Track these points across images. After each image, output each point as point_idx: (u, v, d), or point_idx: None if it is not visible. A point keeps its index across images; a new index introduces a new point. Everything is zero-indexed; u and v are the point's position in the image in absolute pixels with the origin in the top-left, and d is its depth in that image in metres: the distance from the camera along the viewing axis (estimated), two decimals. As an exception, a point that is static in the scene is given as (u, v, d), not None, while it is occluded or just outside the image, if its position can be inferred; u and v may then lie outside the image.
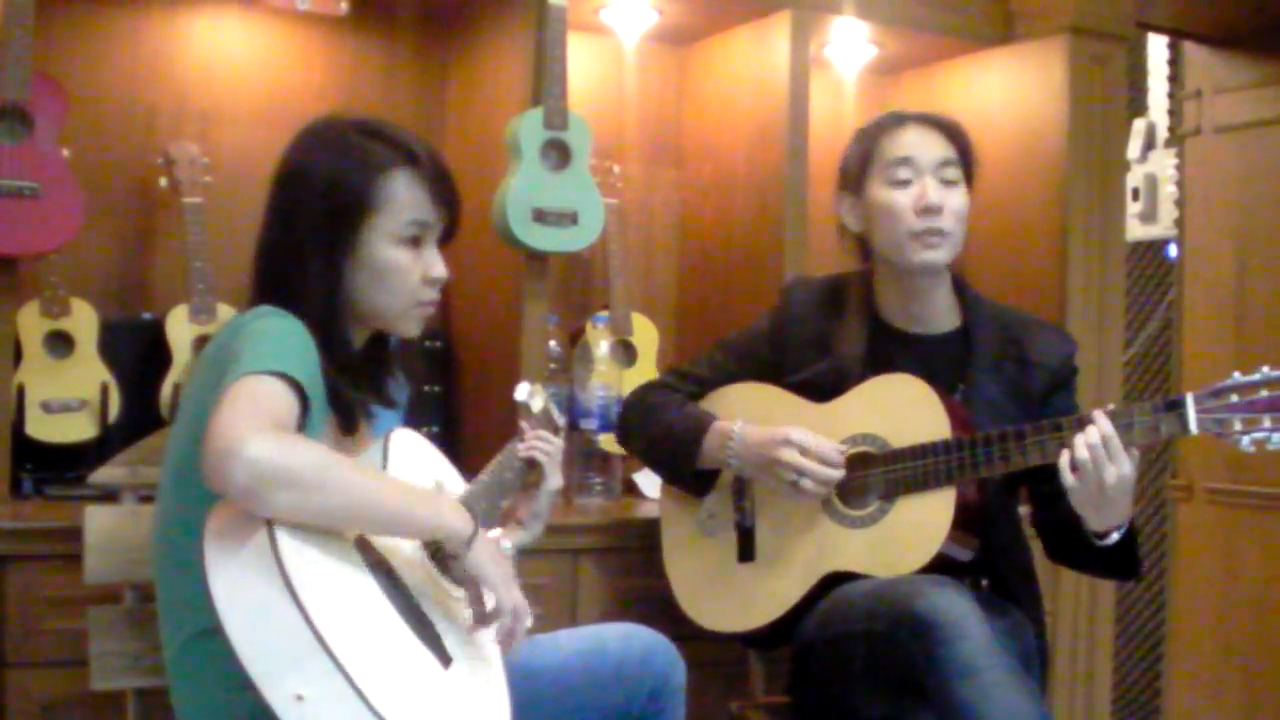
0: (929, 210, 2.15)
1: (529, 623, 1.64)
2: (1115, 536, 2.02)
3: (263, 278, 1.71)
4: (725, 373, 2.33)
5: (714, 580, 2.28)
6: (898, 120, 2.23)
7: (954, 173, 2.19)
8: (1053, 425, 2.02)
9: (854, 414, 2.17)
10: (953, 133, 2.22)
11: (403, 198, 1.70)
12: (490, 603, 1.62)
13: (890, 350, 2.22)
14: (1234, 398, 1.92)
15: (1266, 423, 1.90)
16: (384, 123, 1.76)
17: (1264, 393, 1.90)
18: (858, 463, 2.16)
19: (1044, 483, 2.13)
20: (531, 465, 1.96)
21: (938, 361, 2.20)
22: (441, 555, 1.68)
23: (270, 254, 1.72)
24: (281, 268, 1.69)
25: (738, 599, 2.24)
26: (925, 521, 2.07)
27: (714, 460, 2.23)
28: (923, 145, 2.19)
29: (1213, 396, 1.93)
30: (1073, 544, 2.09)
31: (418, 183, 1.71)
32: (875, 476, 2.13)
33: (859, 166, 2.23)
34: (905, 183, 2.17)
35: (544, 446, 1.96)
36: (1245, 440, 1.91)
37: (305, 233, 1.68)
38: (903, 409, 2.13)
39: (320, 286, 1.68)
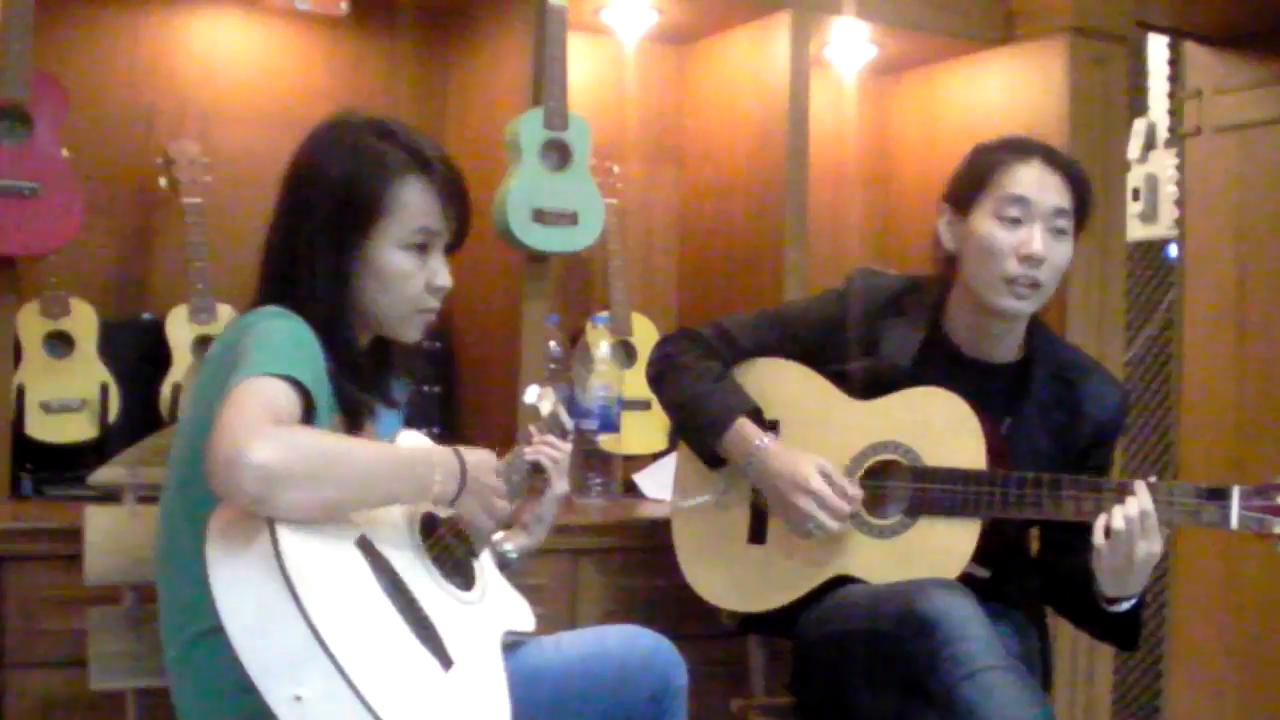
0: (1031, 259, 2.07)
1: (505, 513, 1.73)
2: (1125, 606, 2.00)
3: (269, 277, 1.71)
4: (766, 346, 2.28)
5: (720, 553, 2.26)
6: (1023, 153, 2.12)
7: (1066, 223, 2.10)
8: (1092, 485, 2.00)
9: (890, 419, 2.14)
10: (1076, 180, 2.12)
11: (413, 205, 1.69)
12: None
13: (944, 368, 2.16)
14: None
15: None
16: (400, 125, 1.75)
17: None
18: (883, 470, 2.15)
19: (1059, 530, 2.13)
20: (537, 469, 1.95)
21: (989, 390, 2.15)
22: (442, 556, 1.69)
23: (277, 253, 1.71)
24: (288, 267, 1.68)
25: (741, 579, 2.23)
26: (947, 548, 2.05)
27: (730, 457, 2.21)
28: (1042, 188, 2.08)
29: (1259, 494, 1.91)
30: (1078, 601, 2.08)
31: (429, 190, 1.71)
32: (900, 489, 2.12)
33: (971, 188, 2.13)
34: (1015, 222, 2.08)
35: (551, 452, 1.95)
36: None
37: (314, 233, 1.67)
38: (941, 427, 2.10)
39: (327, 287, 1.67)
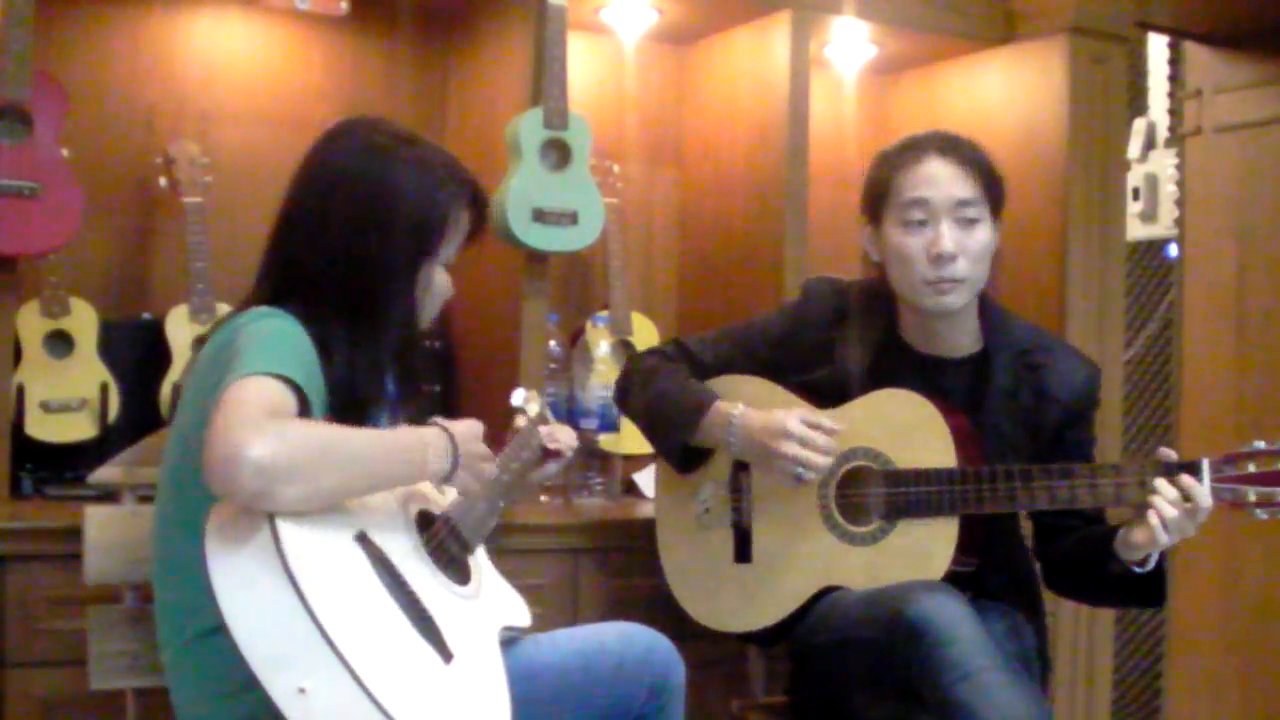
0: (941, 258, 2.07)
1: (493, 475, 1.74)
2: (1153, 559, 2.00)
3: (316, 282, 1.69)
4: (728, 361, 2.29)
5: (709, 577, 2.26)
6: (916, 150, 2.12)
7: (974, 211, 2.10)
8: (1062, 471, 2.01)
9: (856, 426, 2.14)
10: (975, 164, 2.12)
11: (461, 232, 1.78)
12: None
13: (903, 370, 2.17)
14: (1250, 467, 1.91)
15: None
16: (455, 157, 1.80)
17: None
18: (857, 478, 2.14)
19: (1049, 515, 2.12)
20: (555, 456, 1.97)
21: (952, 386, 2.16)
22: (440, 551, 1.69)
23: (337, 260, 1.69)
24: (356, 281, 1.68)
25: (732, 599, 2.23)
26: (927, 550, 2.05)
27: (711, 440, 2.19)
28: (939, 184, 2.09)
29: (1229, 463, 1.92)
30: (1095, 573, 2.07)
31: (469, 221, 1.78)
32: (876, 495, 2.12)
33: (876, 199, 2.15)
34: (920, 224, 2.09)
35: (568, 440, 1.99)
36: (1260, 513, 1.91)
37: (389, 252, 1.69)
38: (907, 428, 2.10)
39: (406, 306, 1.72)
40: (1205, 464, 1.93)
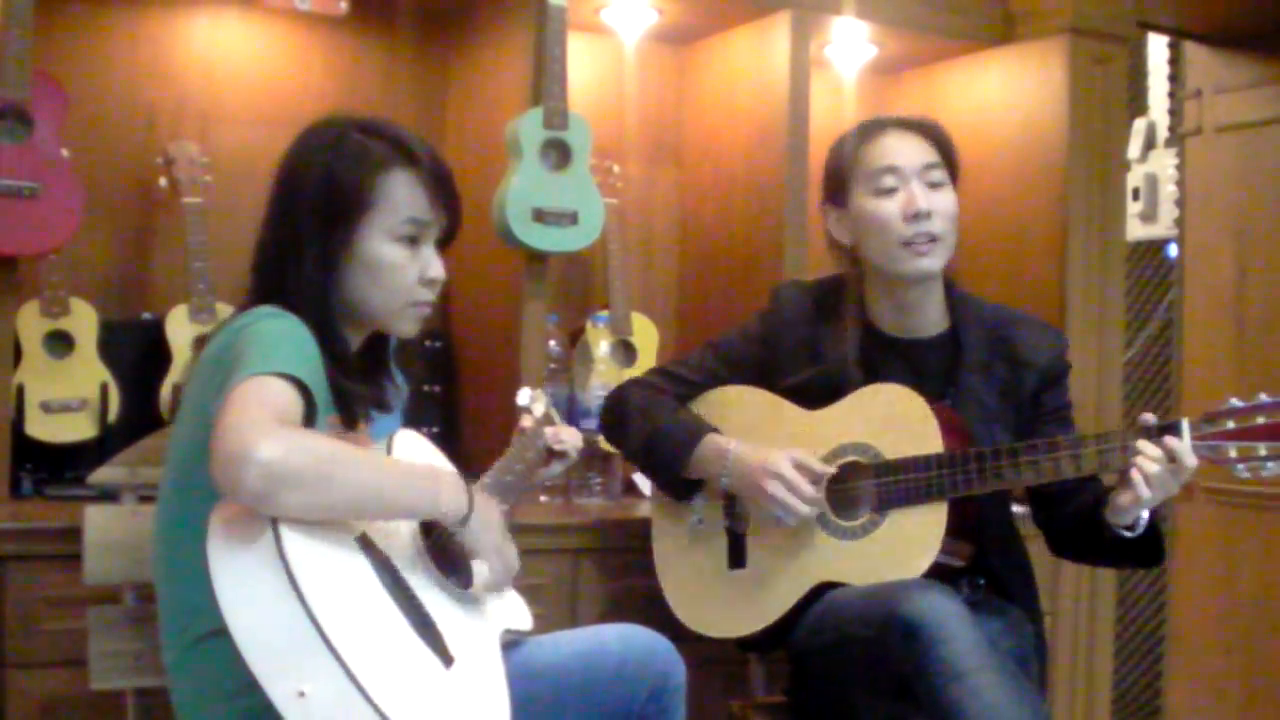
0: (918, 216, 2.13)
1: (515, 571, 1.74)
2: (1143, 522, 2.02)
3: (261, 276, 1.71)
4: (714, 376, 2.31)
5: (705, 586, 2.27)
6: (876, 127, 2.20)
7: (939, 175, 2.17)
8: (1047, 445, 2.03)
9: (845, 423, 2.16)
10: (932, 134, 2.20)
11: (400, 196, 1.70)
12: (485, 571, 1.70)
13: (881, 355, 2.20)
14: (1230, 424, 1.94)
15: (1262, 450, 1.92)
16: (385, 121, 1.75)
17: (1260, 419, 1.92)
18: (849, 472, 2.15)
19: (1042, 485, 2.12)
20: (559, 457, 2.00)
21: (927, 365, 2.19)
22: (444, 554, 1.69)
23: (269, 251, 1.71)
24: (279, 266, 1.69)
25: (729, 606, 2.23)
26: (917, 536, 2.06)
27: (705, 473, 2.21)
28: (905, 151, 2.16)
29: (1209, 422, 1.95)
30: (1093, 538, 2.09)
31: (416, 182, 1.71)
32: (866, 488, 2.12)
33: (841, 178, 2.21)
34: (891, 191, 2.15)
35: (573, 441, 2.00)
36: (1241, 468, 1.94)
37: (301, 230, 1.67)
38: (895, 420, 2.12)
39: (315, 283, 1.67)
40: (1185, 424, 1.95)
